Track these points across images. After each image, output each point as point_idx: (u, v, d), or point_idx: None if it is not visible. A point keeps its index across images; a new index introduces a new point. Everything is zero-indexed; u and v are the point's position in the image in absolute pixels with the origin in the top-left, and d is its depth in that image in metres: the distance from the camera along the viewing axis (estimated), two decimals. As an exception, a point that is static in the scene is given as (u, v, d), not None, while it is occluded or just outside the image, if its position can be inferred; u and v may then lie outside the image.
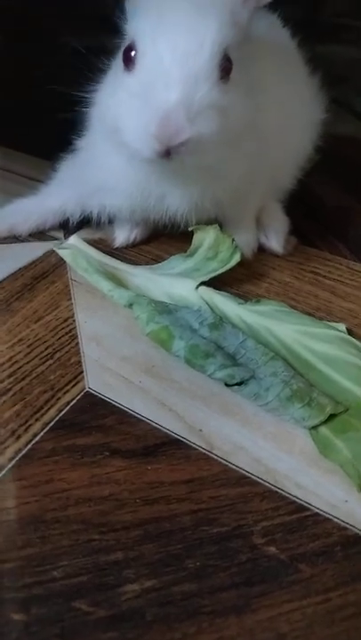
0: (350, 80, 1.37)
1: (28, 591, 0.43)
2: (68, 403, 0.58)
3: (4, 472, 0.51)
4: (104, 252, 0.77)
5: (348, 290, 0.76)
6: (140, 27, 0.61)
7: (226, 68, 0.61)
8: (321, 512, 0.50)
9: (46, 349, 0.64)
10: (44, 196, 0.83)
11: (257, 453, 0.54)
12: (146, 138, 0.58)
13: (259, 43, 0.71)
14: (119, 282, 0.72)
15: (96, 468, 0.52)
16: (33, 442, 0.54)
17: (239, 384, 0.59)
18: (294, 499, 0.51)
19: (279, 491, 0.51)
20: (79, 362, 0.62)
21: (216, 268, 0.72)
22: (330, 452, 0.54)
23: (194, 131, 0.57)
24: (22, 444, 0.53)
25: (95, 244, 0.79)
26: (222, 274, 0.71)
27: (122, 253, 0.80)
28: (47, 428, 0.55)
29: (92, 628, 0.41)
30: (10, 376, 0.60)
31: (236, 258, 0.72)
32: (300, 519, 0.49)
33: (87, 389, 0.59)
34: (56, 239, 0.82)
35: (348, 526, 0.49)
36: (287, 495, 0.51)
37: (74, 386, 0.59)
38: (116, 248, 0.80)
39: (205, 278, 0.70)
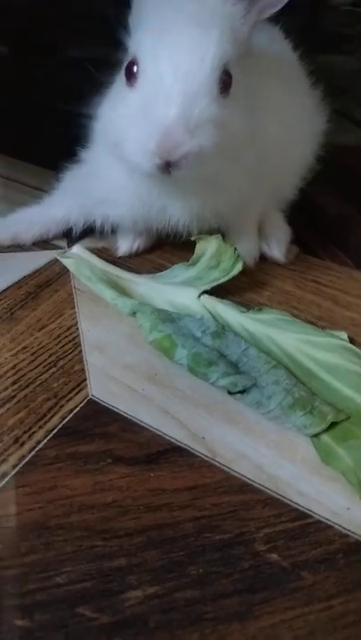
0: (351, 91, 1.38)
1: (31, 597, 0.43)
2: (72, 410, 0.58)
3: (7, 479, 0.51)
4: (107, 260, 0.77)
5: (349, 299, 0.77)
6: (142, 42, 0.62)
7: (226, 82, 0.62)
8: (323, 519, 0.50)
9: (50, 357, 0.64)
10: (47, 206, 0.84)
11: (259, 461, 0.54)
12: (146, 153, 0.59)
13: (260, 55, 0.72)
14: (122, 290, 0.72)
15: (99, 475, 0.52)
16: (36, 449, 0.54)
17: (242, 392, 0.59)
18: (296, 506, 0.51)
19: (281, 498, 0.51)
20: (82, 369, 0.63)
21: (218, 276, 0.72)
22: (332, 460, 0.54)
23: (193, 144, 0.58)
24: (26, 451, 0.54)
25: (98, 252, 0.79)
26: (225, 282, 0.72)
27: (125, 262, 0.80)
28: (50, 435, 0.55)
29: (96, 633, 0.42)
30: (14, 383, 0.60)
31: (239, 267, 0.72)
32: (303, 526, 0.49)
33: (90, 397, 0.59)
34: (59, 248, 0.82)
35: (349, 533, 0.49)
36: (289, 502, 0.51)
37: (77, 393, 0.60)
38: (120, 257, 0.81)
39: (208, 287, 0.71)
